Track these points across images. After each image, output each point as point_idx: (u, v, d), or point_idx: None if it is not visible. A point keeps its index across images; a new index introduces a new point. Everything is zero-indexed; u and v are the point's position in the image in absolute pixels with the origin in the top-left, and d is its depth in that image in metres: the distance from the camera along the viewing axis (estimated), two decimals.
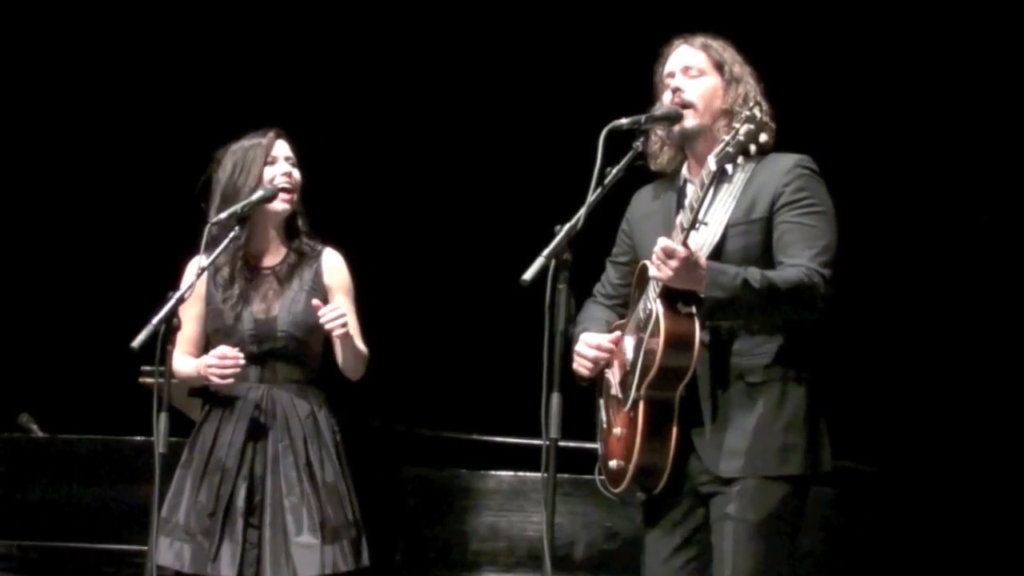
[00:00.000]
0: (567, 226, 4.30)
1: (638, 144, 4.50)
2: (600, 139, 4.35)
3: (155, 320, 4.75)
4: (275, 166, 5.18)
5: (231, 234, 5.03)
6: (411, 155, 7.64)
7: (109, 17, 7.74)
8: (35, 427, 6.40)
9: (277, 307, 5.16)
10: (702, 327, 4.34)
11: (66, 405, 6.90)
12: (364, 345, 5.17)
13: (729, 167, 4.38)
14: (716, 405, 4.39)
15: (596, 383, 4.64)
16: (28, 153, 7.87)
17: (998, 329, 7.11)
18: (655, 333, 4.33)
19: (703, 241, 4.39)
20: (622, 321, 4.62)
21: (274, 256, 5.24)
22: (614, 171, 4.41)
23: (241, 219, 5.05)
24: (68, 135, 7.83)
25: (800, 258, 4.34)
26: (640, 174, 4.63)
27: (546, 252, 4.26)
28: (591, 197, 4.34)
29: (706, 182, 4.26)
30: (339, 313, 5.01)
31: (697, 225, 4.30)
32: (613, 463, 4.51)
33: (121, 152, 7.82)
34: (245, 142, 5.23)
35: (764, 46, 4.70)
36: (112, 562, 5.78)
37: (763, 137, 4.22)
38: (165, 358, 4.74)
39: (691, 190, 4.43)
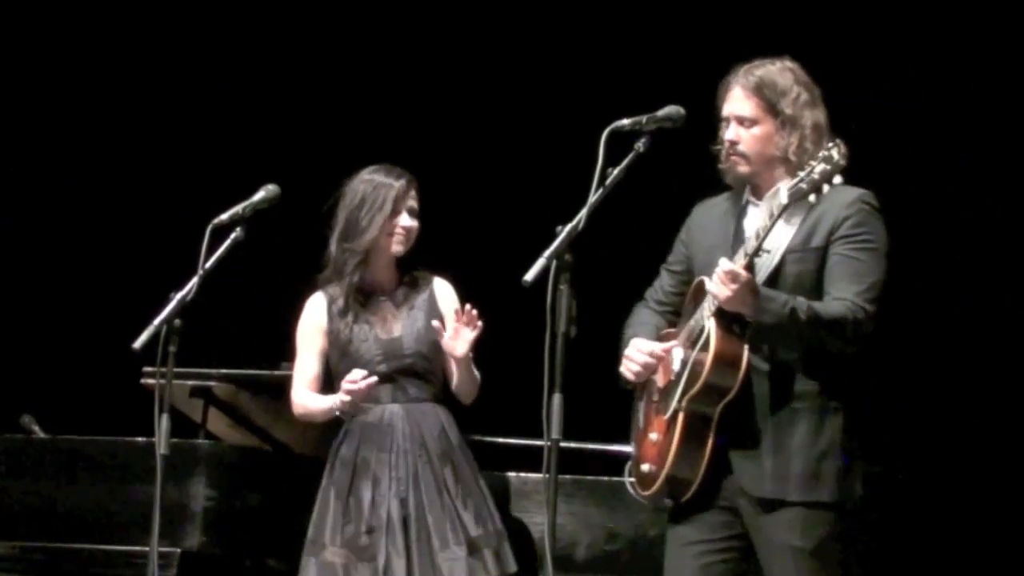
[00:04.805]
0: (568, 227, 4.33)
1: (639, 145, 4.52)
2: (601, 140, 4.36)
3: (157, 321, 4.76)
4: (399, 216, 5.37)
5: (232, 234, 5.02)
6: (412, 156, 7.62)
7: (122, 18, 7.74)
8: (37, 428, 6.39)
9: (399, 328, 5.36)
10: (751, 350, 4.44)
11: (68, 406, 6.89)
12: (476, 370, 5.35)
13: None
14: (756, 427, 4.49)
15: (637, 386, 4.71)
16: (31, 154, 7.86)
17: (997, 327, 7.10)
18: (705, 349, 4.45)
19: (762, 265, 4.50)
20: (672, 329, 4.70)
21: (388, 286, 5.43)
22: (615, 172, 4.43)
23: (243, 220, 5.04)
24: (71, 136, 7.82)
25: (846, 292, 4.45)
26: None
27: (547, 253, 4.29)
28: (592, 198, 4.37)
29: (775, 213, 4.35)
30: (475, 316, 5.20)
31: (760, 253, 4.42)
32: (645, 467, 4.62)
33: (123, 152, 7.81)
34: (379, 177, 5.40)
35: (764, 44, 4.70)
36: (113, 563, 5.77)
37: (837, 179, 4.32)
38: (167, 359, 4.75)
39: (754, 214, 4.56)
